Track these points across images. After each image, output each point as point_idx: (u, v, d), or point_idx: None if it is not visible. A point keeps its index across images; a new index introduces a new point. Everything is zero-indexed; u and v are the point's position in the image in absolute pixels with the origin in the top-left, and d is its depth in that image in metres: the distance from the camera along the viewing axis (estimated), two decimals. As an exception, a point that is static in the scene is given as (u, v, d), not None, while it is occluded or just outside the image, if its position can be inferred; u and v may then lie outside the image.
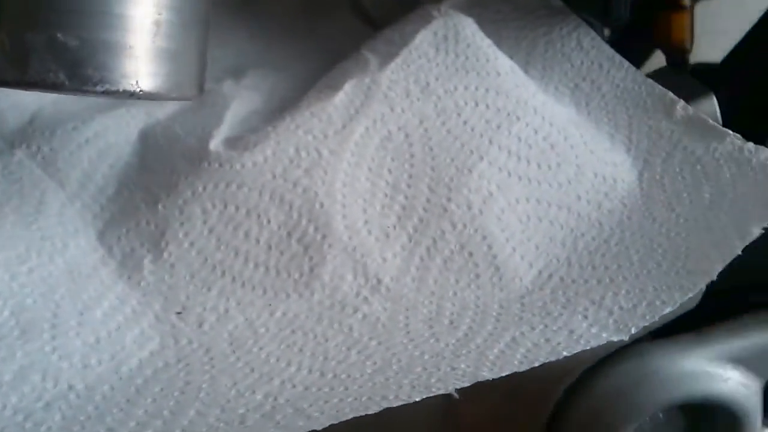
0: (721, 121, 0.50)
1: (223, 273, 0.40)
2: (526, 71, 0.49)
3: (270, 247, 0.40)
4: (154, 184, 0.42)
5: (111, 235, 0.41)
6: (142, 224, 0.41)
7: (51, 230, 0.40)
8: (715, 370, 0.45)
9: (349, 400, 0.32)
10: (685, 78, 0.53)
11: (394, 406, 0.31)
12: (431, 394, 0.31)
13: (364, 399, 0.32)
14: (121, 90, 0.29)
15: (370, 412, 0.31)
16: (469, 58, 0.46)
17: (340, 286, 0.39)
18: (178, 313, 0.38)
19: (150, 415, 0.33)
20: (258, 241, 0.40)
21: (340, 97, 0.43)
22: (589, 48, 0.51)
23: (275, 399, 0.33)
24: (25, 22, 0.28)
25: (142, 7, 0.30)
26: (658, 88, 0.48)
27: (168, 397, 0.34)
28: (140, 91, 0.30)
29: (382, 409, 0.31)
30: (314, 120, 0.42)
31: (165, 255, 0.40)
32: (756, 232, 0.37)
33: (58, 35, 0.28)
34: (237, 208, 0.40)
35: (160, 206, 0.41)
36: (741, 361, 0.46)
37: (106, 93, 0.29)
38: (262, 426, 0.31)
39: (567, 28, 0.52)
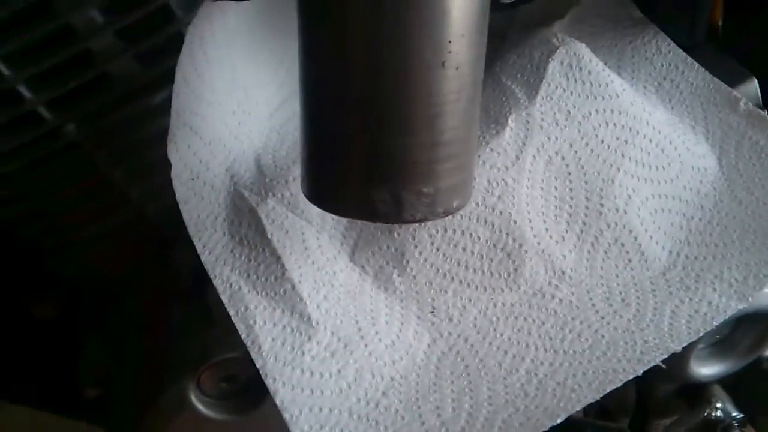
0: (761, 101, 0.66)
1: (452, 278, 0.55)
2: (619, 74, 0.63)
3: (482, 256, 0.55)
4: None
5: (359, 257, 0.55)
6: (384, 248, 0.55)
7: (322, 262, 0.54)
8: None
9: (581, 374, 0.49)
10: (727, 61, 0.68)
11: (617, 383, 0.47)
12: (645, 367, 0.48)
13: (590, 373, 0.49)
14: (453, 209, 0.42)
15: (598, 390, 0.47)
16: (593, 84, 0.59)
17: (537, 279, 0.55)
18: (431, 312, 0.54)
19: (458, 393, 0.49)
20: (473, 252, 0.55)
21: (509, 133, 0.57)
22: (666, 52, 0.65)
23: (536, 374, 0.50)
24: (401, 183, 0.40)
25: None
26: (724, 86, 0.63)
27: (461, 378, 0.50)
28: (457, 206, 0.43)
29: (607, 385, 0.47)
30: (494, 155, 0.56)
31: (408, 270, 0.55)
32: (819, 217, 0.55)
33: (423, 189, 0.40)
34: (454, 231, 0.55)
35: (395, 234, 0.55)
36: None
37: (445, 214, 0.42)
38: (542, 397, 0.48)
39: (648, 36, 0.65)
